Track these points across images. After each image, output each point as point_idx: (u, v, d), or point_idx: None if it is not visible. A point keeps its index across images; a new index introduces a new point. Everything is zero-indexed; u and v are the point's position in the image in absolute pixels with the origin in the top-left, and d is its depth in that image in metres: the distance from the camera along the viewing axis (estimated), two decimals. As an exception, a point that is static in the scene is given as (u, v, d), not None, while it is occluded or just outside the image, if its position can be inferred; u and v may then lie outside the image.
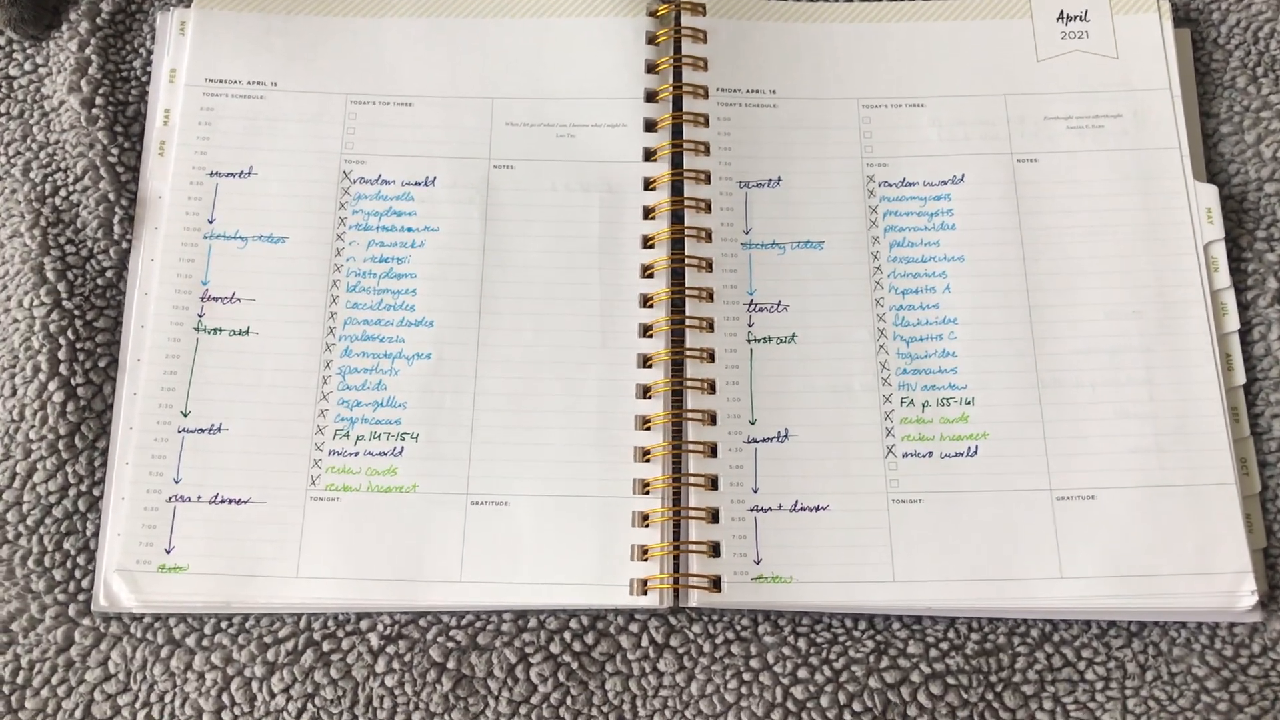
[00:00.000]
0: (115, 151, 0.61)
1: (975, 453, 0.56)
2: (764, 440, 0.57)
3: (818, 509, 0.55)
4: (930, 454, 0.56)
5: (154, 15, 0.65)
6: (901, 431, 0.57)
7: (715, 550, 0.55)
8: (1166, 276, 0.59)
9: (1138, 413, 0.56)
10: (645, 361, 0.58)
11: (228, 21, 0.64)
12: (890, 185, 0.61)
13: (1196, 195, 0.60)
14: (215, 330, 0.59)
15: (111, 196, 0.61)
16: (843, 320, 0.58)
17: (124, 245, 0.60)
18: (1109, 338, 0.58)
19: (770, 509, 0.56)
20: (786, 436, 0.57)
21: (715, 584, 0.54)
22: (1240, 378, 0.58)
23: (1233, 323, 0.58)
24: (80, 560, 0.56)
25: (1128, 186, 0.60)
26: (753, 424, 0.57)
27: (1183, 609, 0.54)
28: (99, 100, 0.62)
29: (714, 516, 0.55)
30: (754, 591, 0.54)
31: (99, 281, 0.60)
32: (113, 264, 0.60)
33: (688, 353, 0.58)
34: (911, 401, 0.57)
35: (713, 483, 0.56)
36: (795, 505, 0.56)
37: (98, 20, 0.64)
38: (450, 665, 0.54)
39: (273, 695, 0.53)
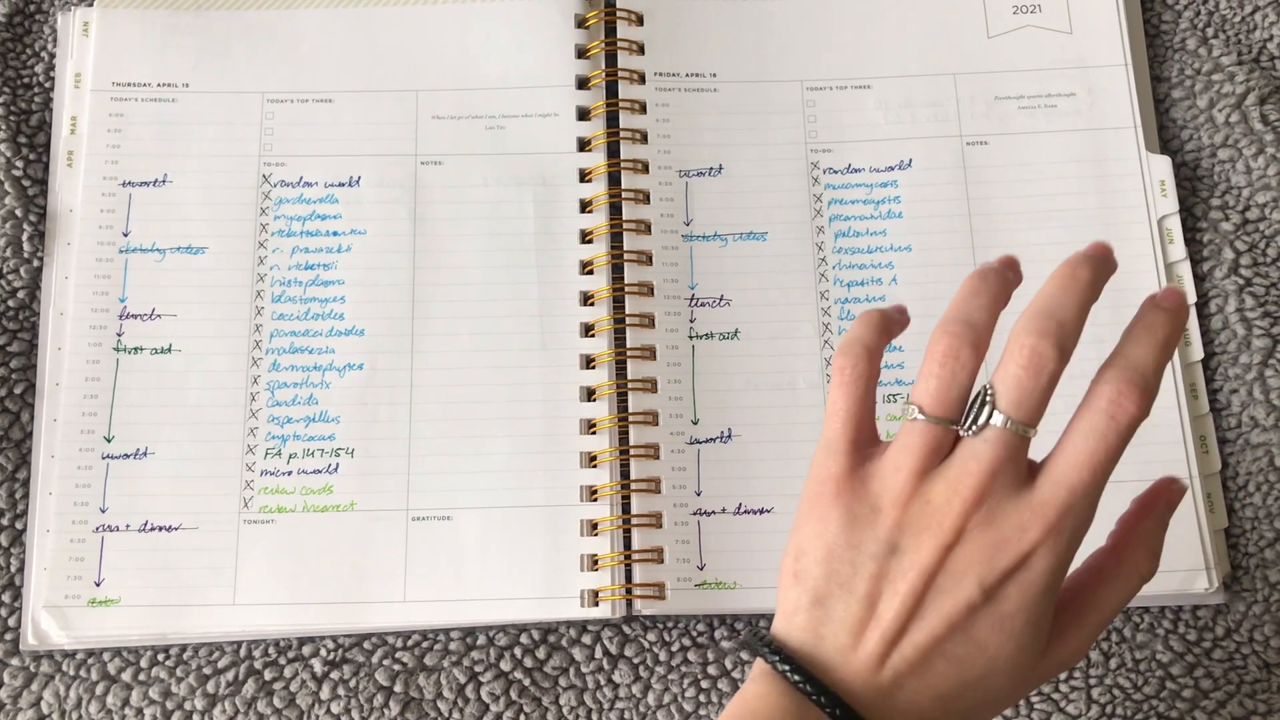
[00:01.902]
0: (20, 164, 0.58)
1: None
2: (706, 441, 0.55)
3: (761, 511, 0.54)
4: (878, 448, 0.55)
5: (55, 16, 0.61)
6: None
7: (662, 556, 0.53)
8: (1121, 263, 0.57)
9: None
10: (588, 362, 0.56)
11: (134, 20, 0.60)
12: (835, 172, 0.59)
13: (1150, 168, 0.58)
14: (136, 349, 0.56)
15: (19, 212, 0.58)
16: (786, 315, 0.57)
17: (35, 263, 0.58)
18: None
19: (713, 512, 0.54)
20: (730, 437, 0.55)
21: (661, 590, 0.53)
22: (1198, 352, 0.56)
23: (1189, 296, 0.57)
24: (5, 598, 0.54)
25: (1081, 169, 0.59)
26: (695, 424, 0.55)
27: (1144, 595, 0.53)
28: (-1, 110, 0.59)
29: (659, 521, 0.54)
30: (699, 598, 0.53)
31: (10, 303, 0.57)
32: (24, 283, 0.57)
33: (630, 352, 0.56)
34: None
35: (658, 485, 0.54)
36: (739, 508, 0.54)
37: (-6, 23, 0.61)
38: (398, 688, 0.52)
39: (214, 728, 0.52)
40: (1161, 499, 0.41)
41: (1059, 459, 0.36)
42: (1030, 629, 0.36)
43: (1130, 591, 0.40)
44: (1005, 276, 0.38)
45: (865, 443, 0.39)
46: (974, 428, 0.36)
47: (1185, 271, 0.57)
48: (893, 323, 0.40)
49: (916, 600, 0.36)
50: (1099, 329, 0.55)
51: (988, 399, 0.36)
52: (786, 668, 0.36)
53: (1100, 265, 0.38)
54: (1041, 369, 0.35)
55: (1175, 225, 0.58)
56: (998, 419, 0.36)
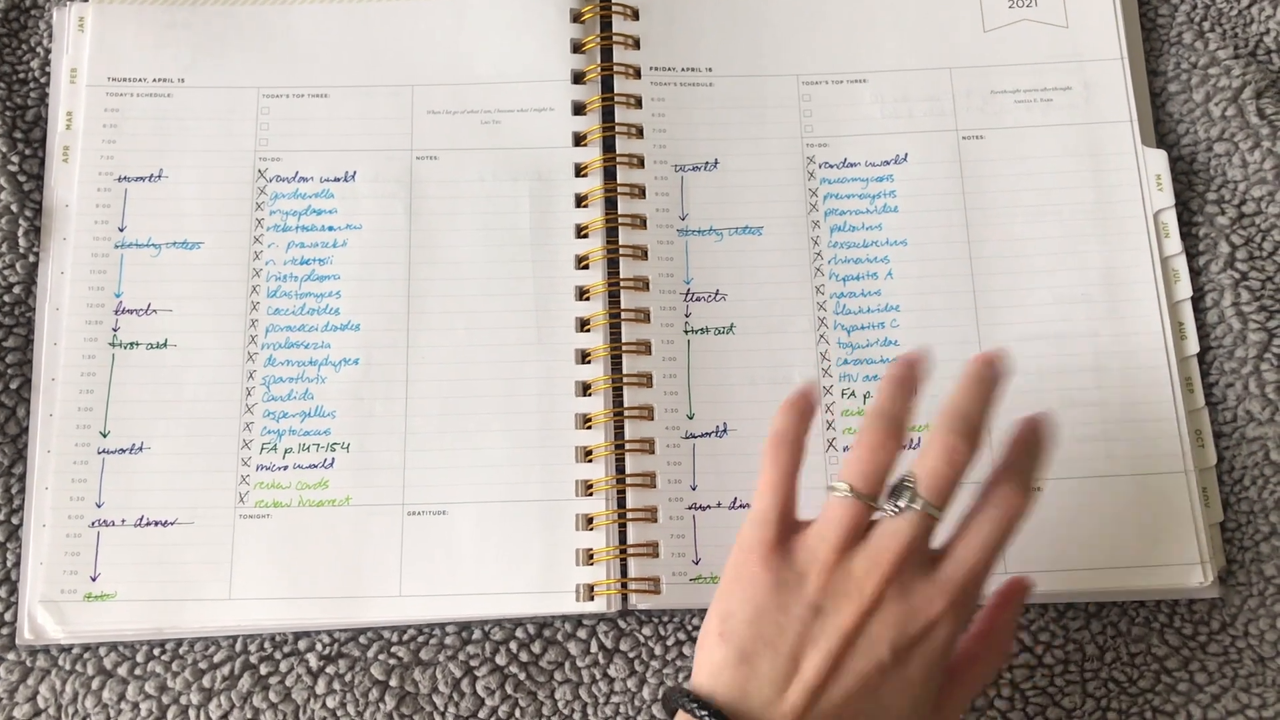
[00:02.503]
0: (16, 159, 0.58)
1: (918, 445, 0.54)
2: (702, 435, 0.55)
3: None
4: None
5: (50, 11, 0.61)
6: (843, 424, 0.55)
7: (657, 550, 0.53)
8: (1116, 257, 0.57)
9: (1085, 400, 0.55)
10: (584, 357, 0.56)
11: (129, 15, 0.60)
12: (831, 166, 0.59)
13: (1146, 162, 0.58)
14: (132, 345, 0.56)
15: (14, 208, 0.58)
16: (782, 309, 0.57)
17: (31, 259, 0.57)
18: (1056, 323, 0.56)
19: (709, 507, 0.54)
20: (725, 431, 0.55)
21: (656, 585, 0.53)
22: (1194, 346, 0.56)
23: (1185, 290, 0.57)
24: (1, 592, 0.54)
25: (1077, 163, 0.58)
26: (690, 419, 0.55)
27: (1139, 589, 0.53)
28: (-6, 105, 0.59)
29: (655, 515, 0.54)
30: (693, 592, 0.53)
31: (6, 298, 0.57)
32: (20, 279, 0.57)
33: (625, 347, 0.56)
34: (853, 393, 0.55)
35: (653, 480, 0.54)
36: (734, 503, 0.54)
37: (-11, 18, 0.61)
38: (393, 683, 0.52)
39: (210, 722, 0.52)
40: (1017, 595, 0.46)
41: (961, 544, 0.42)
42: (926, 692, 0.41)
43: (997, 668, 0.47)
44: (917, 376, 0.44)
45: (790, 518, 0.43)
46: (896, 508, 0.41)
47: (1181, 265, 0.57)
48: (812, 407, 0.45)
49: (837, 659, 0.40)
50: (1095, 323, 0.56)
51: (909, 485, 0.41)
52: None
53: (999, 373, 0.44)
54: (955, 462, 0.41)
55: (1171, 219, 0.58)
56: (918, 503, 0.41)
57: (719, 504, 0.54)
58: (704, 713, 0.39)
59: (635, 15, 0.60)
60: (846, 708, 0.39)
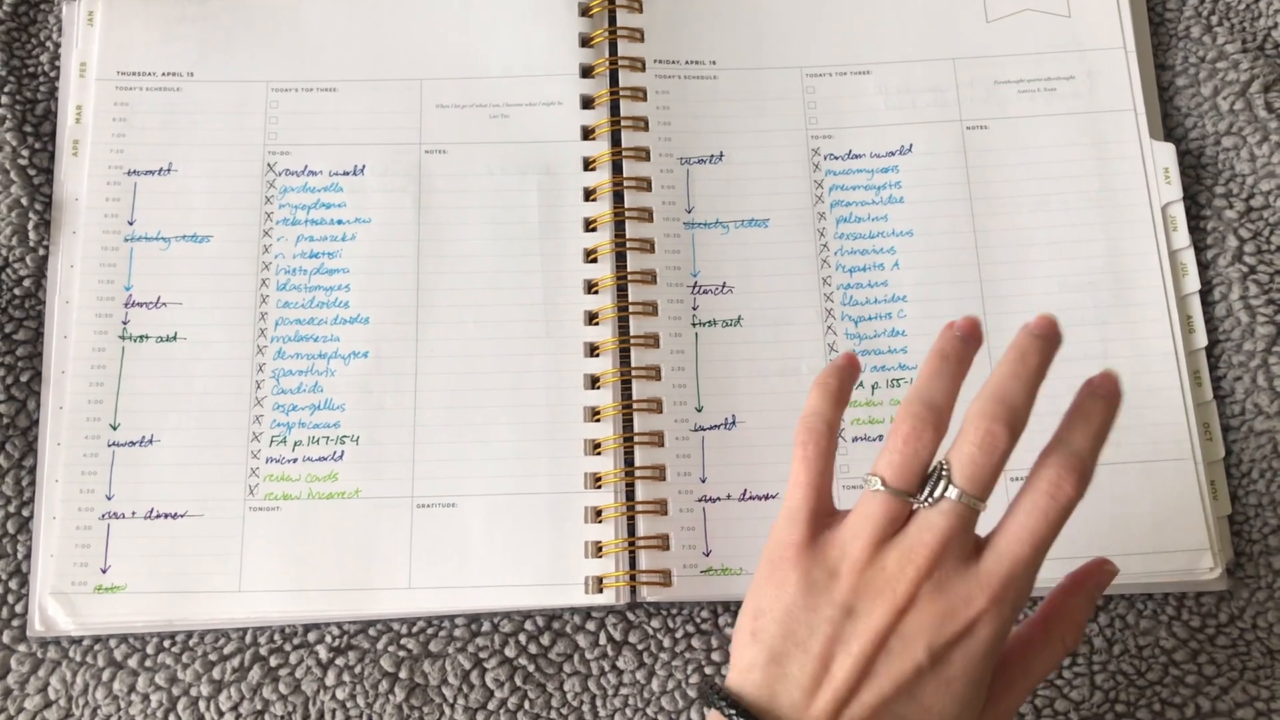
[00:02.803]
0: (26, 153, 0.59)
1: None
2: (711, 428, 0.55)
3: (767, 497, 0.54)
4: (880, 437, 0.55)
5: (60, 5, 0.61)
6: (851, 415, 0.55)
7: (667, 543, 0.53)
8: (1121, 245, 0.57)
9: (1093, 389, 0.55)
10: (592, 350, 0.56)
11: (138, 9, 0.60)
12: (836, 158, 0.59)
13: (1154, 155, 0.58)
14: (141, 337, 0.56)
15: (25, 201, 0.58)
16: (789, 301, 0.57)
17: (41, 252, 0.58)
18: (1062, 311, 0.55)
19: (719, 499, 0.54)
20: (734, 423, 0.55)
21: (667, 578, 0.53)
22: (1202, 340, 0.56)
23: (1193, 283, 0.57)
24: (13, 584, 0.54)
25: (1081, 152, 0.58)
26: (699, 411, 0.55)
27: (1147, 582, 0.53)
28: (5, 99, 0.59)
29: (665, 508, 0.54)
30: (704, 584, 0.53)
31: (16, 291, 0.57)
32: (30, 272, 0.57)
33: (633, 340, 0.56)
34: (861, 384, 0.55)
35: (663, 473, 0.54)
36: (744, 494, 0.54)
37: (-1, 13, 0.61)
38: (403, 675, 0.52)
39: (221, 714, 0.52)
40: (1093, 579, 0.44)
41: (1003, 535, 0.39)
42: (971, 692, 0.38)
43: (1055, 661, 0.42)
44: (965, 352, 0.41)
45: (824, 512, 0.41)
46: (930, 500, 0.39)
47: (1189, 259, 0.57)
48: (847, 388, 0.43)
49: (868, 661, 0.38)
50: (1101, 311, 0.56)
51: (944, 474, 0.39)
52: None
53: (1047, 346, 0.41)
54: (994, 449, 0.38)
55: (1179, 212, 0.58)
56: (952, 493, 0.38)
57: (729, 496, 0.54)
58: (732, 711, 0.38)
59: (640, 7, 0.60)
60: (881, 710, 0.38)
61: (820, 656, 0.38)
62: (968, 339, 0.41)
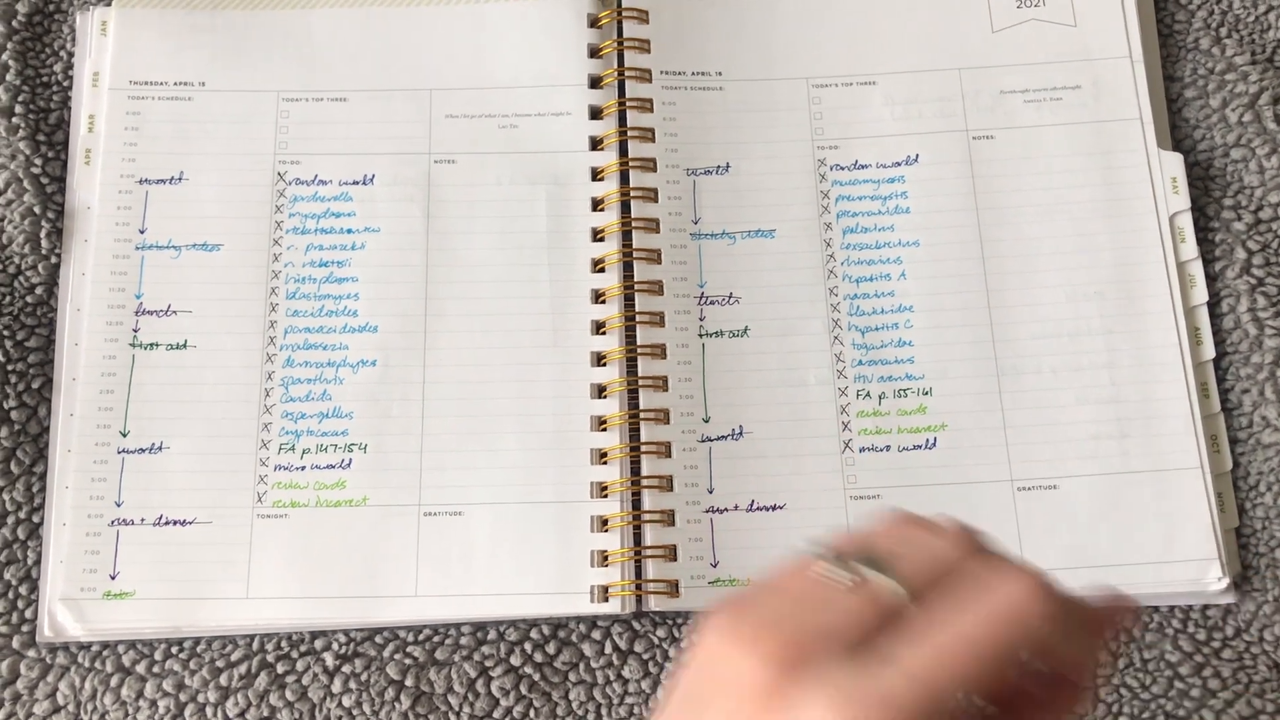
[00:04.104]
0: (39, 162, 0.59)
1: (934, 445, 0.55)
2: (718, 438, 0.55)
3: (774, 508, 0.54)
4: (888, 447, 0.55)
5: (73, 16, 0.62)
6: (858, 425, 0.55)
7: (674, 554, 0.54)
8: (1128, 254, 0.57)
9: (1099, 398, 0.55)
10: (599, 360, 0.56)
11: (151, 20, 0.61)
12: (842, 168, 0.59)
13: (1161, 165, 0.58)
14: (152, 345, 0.57)
15: (37, 209, 0.58)
16: (796, 312, 0.57)
17: (53, 260, 0.58)
18: (1069, 320, 0.56)
19: (726, 509, 0.54)
20: (741, 434, 0.55)
21: (675, 588, 0.53)
22: (1209, 352, 0.56)
23: (1201, 295, 0.57)
24: (22, 590, 0.54)
25: (1088, 161, 0.58)
26: (706, 421, 0.55)
27: (1153, 594, 0.53)
28: (19, 108, 0.60)
29: (672, 519, 0.54)
30: (712, 595, 0.53)
31: (28, 299, 0.58)
32: (42, 280, 0.58)
33: (640, 350, 0.56)
34: (868, 394, 0.56)
35: (670, 483, 0.54)
36: (751, 505, 0.54)
37: (14, 23, 0.61)
38: (409, 682, 0.52)
39: (227, 720, 0.52)
40: (1104, 624, 0.34)
41: (925, 634, 0.29)
42: None
43: (1069, 713, 0.32)
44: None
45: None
46: (846, 576, 0.31)
47: (1197, 270, 0.57)
48: None
49: None
50: (1108, 320, 0.56)
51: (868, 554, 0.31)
52: None
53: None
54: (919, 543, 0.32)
55: (1187, 223, 0.57)
56: (871, 574, 0.31)
57: (736, 506, 0.54)
58: None
59: (646, 18, 0.61)
60: None
61: None
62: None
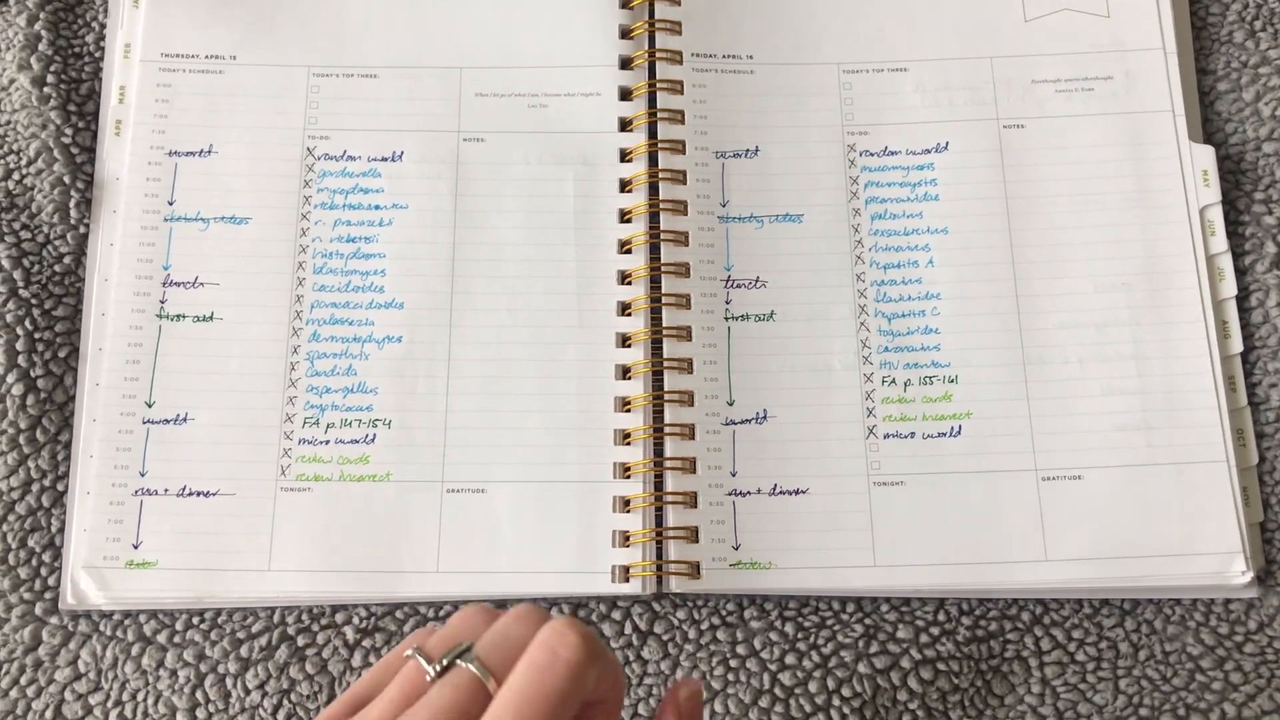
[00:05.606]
0: (69, 132, 0.59)
1: (959, 433, 0.55)
2: (742, 422, 0.55)
3: (797, 492, 0.54)
4: (913, 434, 0.55)
5: (106, -13, 0.62)
6: (883, 412, 0.55)
7: (696, 535, 0.54)
8: (1157, 246, 0.57)
9: (1125, 389, 0.55)
10: (624, 341, 0.56)
11: (183, -8, 0.61)
12: (871, 155, 0.59)
13: (1192, 157, 0.58)
14: (178, 316, 0.57)
15: (67, 179, 0.58)
16: (822, 297, 0.57)
17: (81, 230, 0.58)
18: (1097, 311, 0.56)
19: (749, 493, 0.54)
20: (765, 418, 0.55)
21: (696, 570, 0.53)
22: (1237, 345, 0.56)
23: (1230, 288, 0.56)
24: (46, 557, 0.54)
25: (1118, 153, 0.58)
26: (730, 405, 0.55)
27: (1175, 586, 0.52)
28: (50, 78, 0.60)
29: (695, 501, 0.54)
30: (733, 578, 0.53)
31: (56, 268, 0.58)
32: (70, 249, 0.58)
33: (665, 332, 0.56)
34: (893, 380, 0.55)
35: (693, 465, 0.54)
36: (774, 489, 0.54)
37: (47, -7, 0.62)
38: (427, 657, 0.53)
39: (247, 691, 0.52)
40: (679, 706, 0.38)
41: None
42: None
43: None
44: None
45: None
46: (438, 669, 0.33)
47: (1227, 264, 0.57)
48: None
49: None
50: (1136, 311, 0.55)
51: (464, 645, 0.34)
52: None
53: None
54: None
55: (1217, 216, 0.57)
56: (467, 661, 0.33)
57: (759, 490, 0.54)
58: None
59: (678, 0, 0.61)
60: None
61: None
62: None
